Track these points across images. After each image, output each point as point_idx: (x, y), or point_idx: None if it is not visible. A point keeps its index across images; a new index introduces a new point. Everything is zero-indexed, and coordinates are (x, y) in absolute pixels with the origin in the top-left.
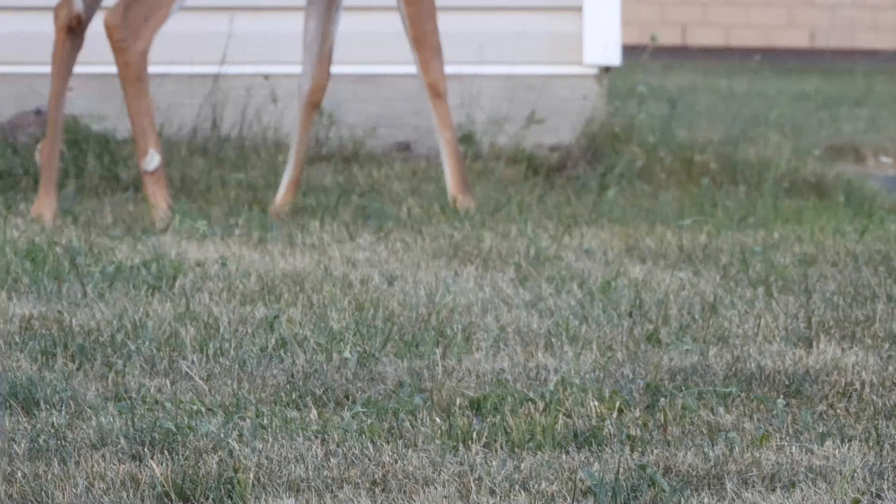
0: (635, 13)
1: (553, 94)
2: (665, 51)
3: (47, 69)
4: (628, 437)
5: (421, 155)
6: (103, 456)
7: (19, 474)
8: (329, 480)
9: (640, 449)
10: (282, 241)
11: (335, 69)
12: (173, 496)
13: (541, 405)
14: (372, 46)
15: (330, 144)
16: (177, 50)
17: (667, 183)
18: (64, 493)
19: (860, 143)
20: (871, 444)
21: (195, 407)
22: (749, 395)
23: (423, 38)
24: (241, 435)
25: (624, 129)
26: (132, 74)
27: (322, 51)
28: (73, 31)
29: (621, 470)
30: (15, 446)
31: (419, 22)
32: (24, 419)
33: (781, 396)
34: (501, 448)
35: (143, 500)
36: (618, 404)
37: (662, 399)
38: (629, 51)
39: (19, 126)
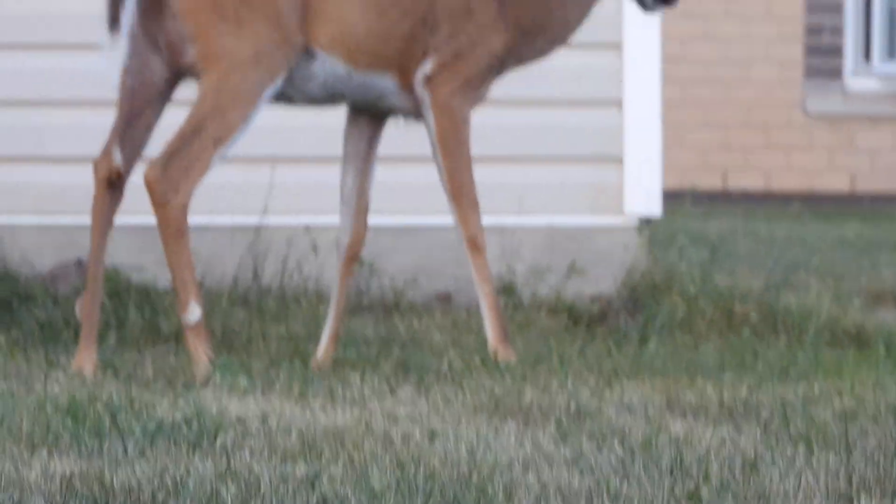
0: (676, 159)
1: (594, 244)
2: (706, 196)
3: (88, 220)
4: None
5: (462, 305)
6: None
7: None
8: None
9: None
10: (322, 394)
11: (375, 220)
12: None
13: None
14: (411, 197)
15: (370, 294)
16: (218, 201)
17: (707, 333)
18: None
19: None
20: None
21: None
22: None
23: (461, 192)
24: None
25: (664, 279)
26: (172, 229)
27: (360, 205)
28: (112, 185)
29: None
30: None
31: (456, 175)
32: None
33: None
34: None
35: None
36: None
37: None
38: (670, 196)
39: (60, 277)
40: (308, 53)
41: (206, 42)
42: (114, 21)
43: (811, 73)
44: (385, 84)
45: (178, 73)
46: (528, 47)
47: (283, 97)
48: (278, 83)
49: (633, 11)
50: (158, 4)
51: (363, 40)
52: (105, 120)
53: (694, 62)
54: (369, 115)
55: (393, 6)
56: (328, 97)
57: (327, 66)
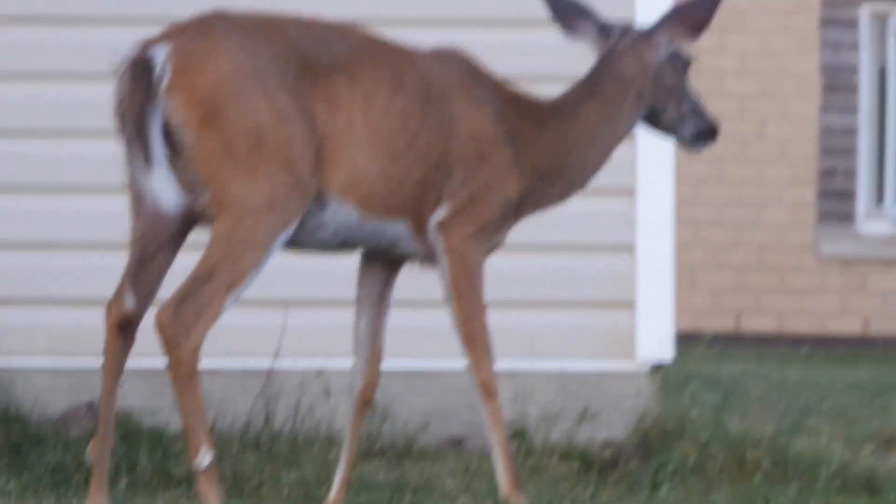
0: (689, 300)
1: (606, 389)
2: (718, 338)
3: (100, 363)
4: None
5: (474, 449)
6: None
7: None
8: None
9: None
10: None
11: (388, 364)
12: None
13: None
14: (424, 341)
15: (382, 439)
16: (230, 343)
17: (719, 479)
18: None
19: None
20: None
21: None
22: None
23: (474, 337)
24: None
25: (676, 424)
26: (183, 373)
27: (373, 349)
28: (124, 329)
29: None
30: None
31: (469, 321)
32: None
33: None
34: None
35: None
36: None
37: None
38: (682, 338)
39: (72, 420)
40: (320, 199)
41: (218, 188)
42: (147, 159)
43: (824, 216)
44: (398, 230)
45: (191, 218)
46: (546, 192)
47: (295, 243)
48: (291, 229)
49: (647, 156)
50: (171, 149)
51: (376, 187)
52: (118, 262)
53: (707, 204)
54: (383, 260)
55: (406, 152)
56: (341, 243)
57: (340, 212)
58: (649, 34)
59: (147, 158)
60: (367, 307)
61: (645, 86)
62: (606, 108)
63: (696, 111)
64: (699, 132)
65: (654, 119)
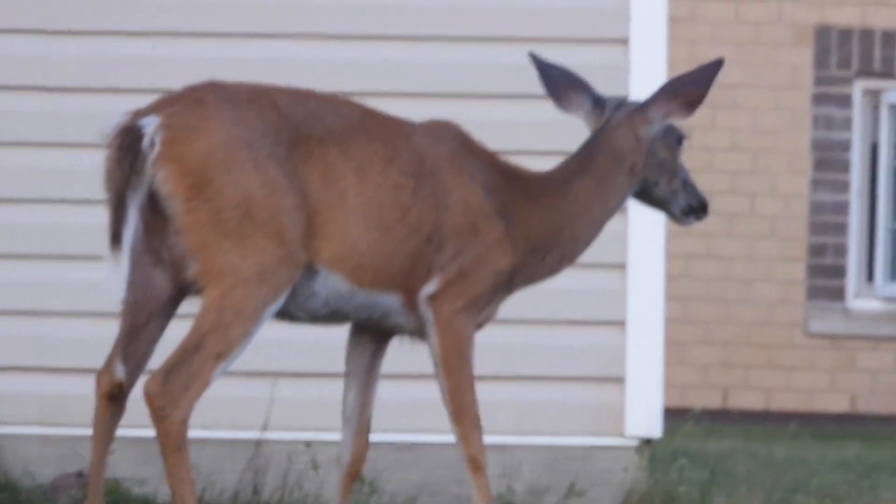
0: (676, 376)
1: (594, 464)
2: (706, 414)
3: (90, 431)
4: None
5: None
6: None
7: None
8: None
9: None
10: None
11: (376, 437)
12: None
13: None
14: (415, 414)
15: None
16: (219, 414)
17: None
18: None
19: None
20: None
21: None
22: None
23: (463, 411)
24: None
25: (664, 501)
26: (172, 444)
27: (361, 421)
28: (114, 398)
29: None
30: None
31: (458, 395)
32: None
33: None
34: None
35: None
36: None
37: None
38: (670, 413)
39: (61, 488)
40: (310, 270)
41: (208, 258)
42: (116, 236)
43: (814, 292)
44: (389, 303)
45: (181, 288)
46: (537, 265)
47: (285, 313)
48: (282, 300)
49: (638, 231)
50: (161, 220)
51: (366, 258)
52: (108, 331)
53: (696, 280)
54: (372, 332)
55: (398, 225)
56: (331, 314)
57: (330, 283)
58: (643, 108)
59: (116, 238)
60: (356, 379)
61: (637, 160)
62: (599, 182)
63: (688, 186)
64: (690, 207)
65: (646, 193)
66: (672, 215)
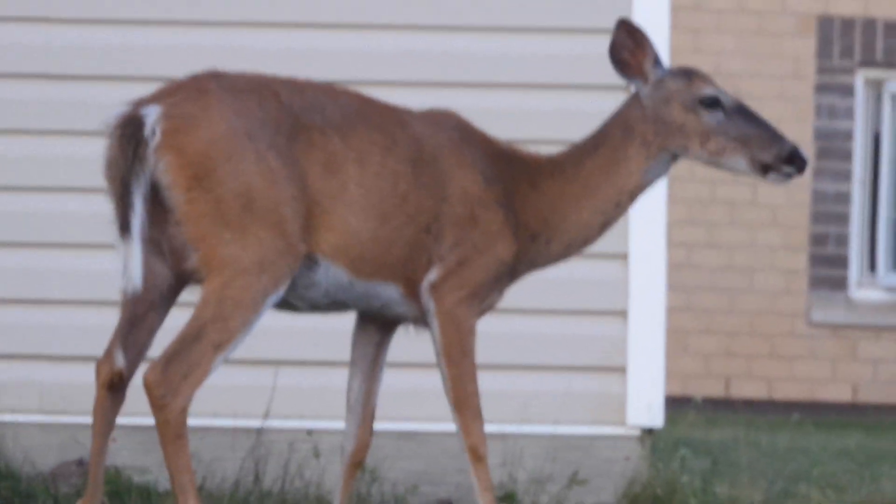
0: (679, 365)
1: (596, 454)
2: (708, 403)
3: (90, 419)
4: None
5: None
6: None
7: None
8: None
9: None
10: None
11: (379, 425)
12: None
13: None
14: (416, 403)
15: (372, 501)
16: (220, 403)
17: None
18: None
19: None
20: None
21: None
22: None
23: (464, 401)
24: None
25: (666, 490)
26: (171, 432)
27: (365, 410)
28: (114, 387)
29: None
30: None
31: (460, 384)
32: None
33: None
34: None
35: None
36: None
37: None
38: (673, 403)
39: (61, 476)
40: (311, 261)
41: (208, 249)
42: (124, 225)
43: (816, 282)
44: (389, 293)
45: (181, 278)
46: (541, 252)
47: (286, 304)
48: (282, 290)
49: (639, 221)
50: (162, 210)
51: (366, 249)
52: (109, 320)
53: (699, 269)
54: (378, 321)
55: (397, 215)
56: (331, 303)
57: (330, 274)
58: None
59: (125, 227)
60: (361, 368)
61: (647, 129)
62: (609, 161)
63: (754, 141)
64: (764, 164)
65: (695, 161)
66: (750, 175)
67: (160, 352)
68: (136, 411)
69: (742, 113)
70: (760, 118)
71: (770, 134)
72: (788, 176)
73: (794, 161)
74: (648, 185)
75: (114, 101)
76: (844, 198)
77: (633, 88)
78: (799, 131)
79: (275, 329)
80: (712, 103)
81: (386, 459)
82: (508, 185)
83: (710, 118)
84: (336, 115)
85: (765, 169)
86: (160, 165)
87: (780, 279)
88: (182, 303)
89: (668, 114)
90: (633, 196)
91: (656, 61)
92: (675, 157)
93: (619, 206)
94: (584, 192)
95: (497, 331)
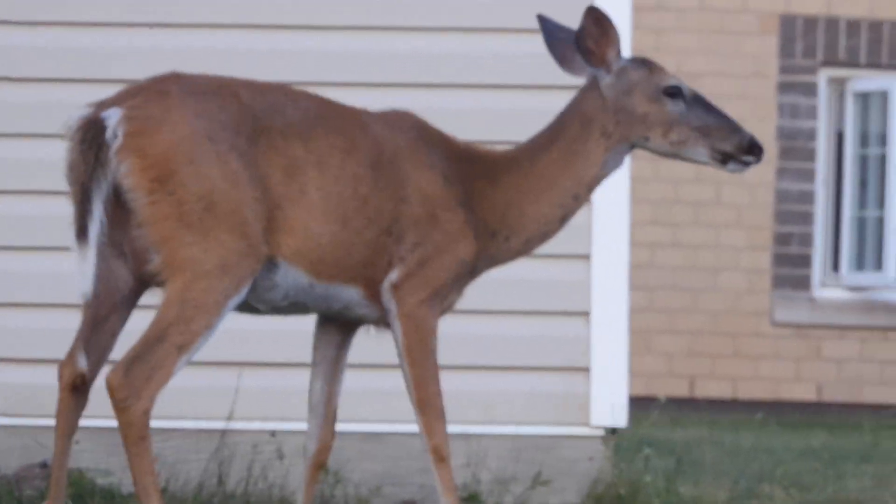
0: (643, 365)
1: (560, 454)
2: (673, 402)
3: (53, 422)
4: None
5: None
6: None
7: None
8: None
9: None
10: None
11: (341, 426)
12: None
13: None
14: (379, 404)
15: (335, 502)
16: (184, 404)
17: None
18: None
19: (865, 500)
20: None
21: None
22: None
23: (427, 402)
24: None
25: (629, 490)
26: (134, 434)
27: (328, 411)
28: (77, 390)
29: None
30: None
31: (422, 385)
32: None
33: None
34: None
35: None
36: None
37: None
38: (637, 402)
39: (25, 479)
40: (271, 263)
41: (170, 251)
42: (81, 230)
43: (779, 281)
44: (349, 295)
45: (143, 281)
46: (500, 248)
47: (246, 306)
48: (243, 292)
49: (602, 221)
50: (124, 212)
51: (326, 252)
52: (72, 322)
53: (662, 269)
54: (339, 322)
55: (357, 217)
56: (291, 306)
57: (290, 276)
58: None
59: (82, 232)
60: (323, 369)
61: (607, 121)
62: (567, 153)
63: (714, 131)
64: (724, 153)
65: (652, 150)
66: (708, 165)
67: (123, 354)
68: (99, 413)
69: (701, 103)
70: (717, 108)
71: (729, 124)
72: (747, 165)
73: (752, 150)
74: (606, 176)
75: (75, 103)
76: (808, 197)
77: (587, 79)
78: (762, 130)
79: (237, 331)
80: (675, 93)
81: (349, 461)
82: (467, 183)
83: (674, 108)
84: (296, 117)
85: (725, 158)
86: (122, 168)
87: (744, 279)
88: (144, 305)
89: (630, 104)
90: (591, 188)
91: (618, 52)
92: (632, 147)
93: (578, 199)
94: (541, 185)
95: (460, 332)
